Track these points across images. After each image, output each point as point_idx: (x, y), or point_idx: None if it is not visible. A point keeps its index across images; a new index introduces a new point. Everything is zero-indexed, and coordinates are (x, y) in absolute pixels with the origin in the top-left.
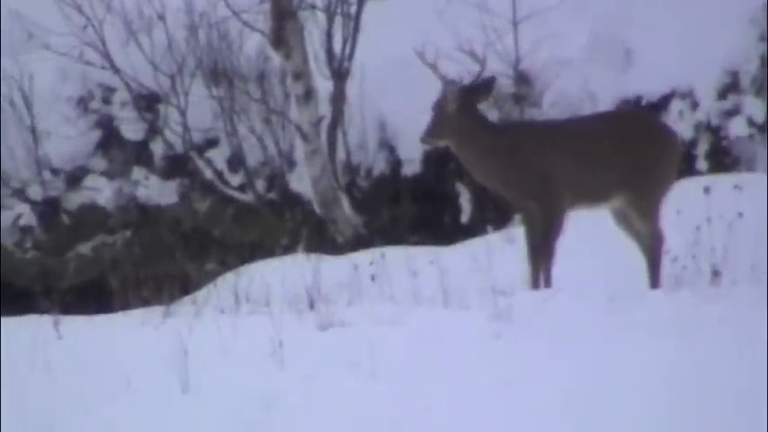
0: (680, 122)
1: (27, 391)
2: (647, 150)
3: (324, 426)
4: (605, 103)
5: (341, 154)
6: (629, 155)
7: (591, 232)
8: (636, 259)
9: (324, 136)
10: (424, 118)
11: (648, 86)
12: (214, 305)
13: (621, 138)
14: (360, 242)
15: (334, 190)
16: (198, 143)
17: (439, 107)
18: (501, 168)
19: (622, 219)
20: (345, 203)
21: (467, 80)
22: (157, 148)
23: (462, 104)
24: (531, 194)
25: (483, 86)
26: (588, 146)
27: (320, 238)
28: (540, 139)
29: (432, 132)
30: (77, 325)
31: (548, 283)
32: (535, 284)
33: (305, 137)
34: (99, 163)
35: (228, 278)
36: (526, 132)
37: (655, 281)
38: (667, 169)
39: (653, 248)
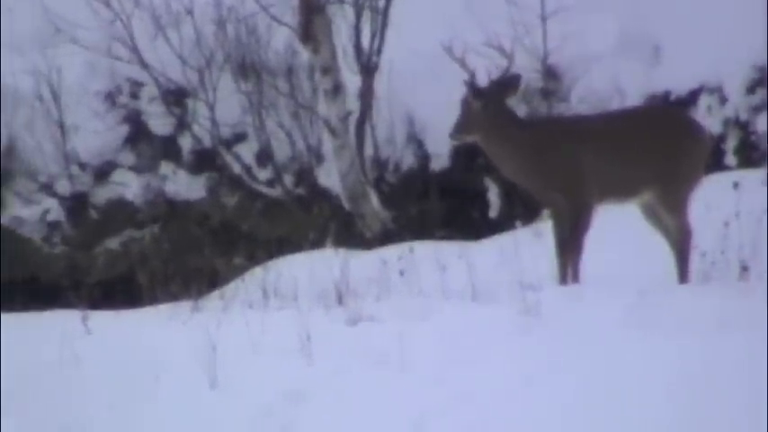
0: (708, 118)
1: (56, 386)
2: (677, 146)
3: (352, 420)
4: (634, 99)
5: (369, 149)
6: (659, 150)
7: (619, 227)
8: (665, 254)
9: (352, 131)
10: (453, 113)
11: (677, 82)
12: (242, 300)
13: (651, 133)
14: (388, 237)
15: (362, 185)
16: (226, 138)
17: (466, 104)
18: (529, 163)
19: (651, 214)
20: (374, 198)
21: (495, 75)
22: (185, 143)
23: (489, 100)
24: (560, 189)
25: (510, 82)
26: (617, 141)
27: (348, 232)
28: (568, 135)
29: (460, 129)
30: (106, 320)
31: (576, 278)
32: (563, 279)
33: (333, 131)
34: (127, 157)
35: (257, 273)
36: (555, 127)
37: (683, 276)
38: (696, 165)
39: (681, 243)
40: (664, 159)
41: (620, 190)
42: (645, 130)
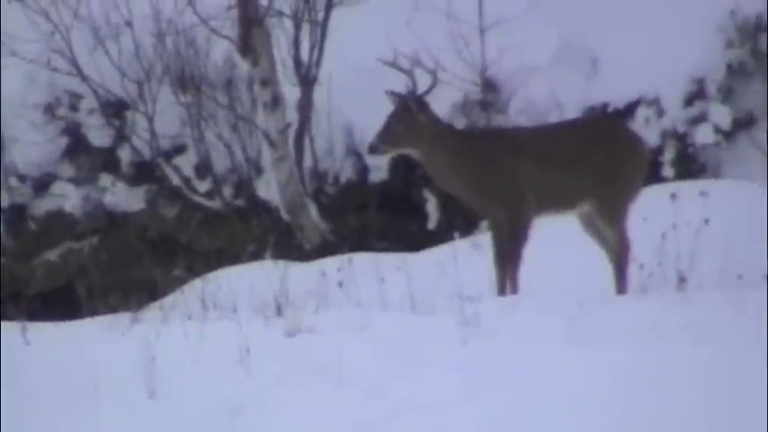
0: (646, 129)
1: None
2: (615, 158)
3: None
4: (572, 110)
5: (308, 160)
6: (597, 162)
7: (558, 238)
8: (603, 265)
9: (291, 143)
10: None
11: (615, 94)
12: (181, 311)
13: (590, 145)
14: (327, 249)
15: (301, 196)
16: (165, 150)
17: (407, 115)
18: (468, 175)
19: (590, 225)
20: (313, 210)
21: (420, 90)
22: (125, 155)
23: (426, 113)
24: (498, 201)
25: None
26: (556, 153)
27: (287, 244)
28: (508, 146)
29: (394, 140)
30: (45, 331)
31: (514, 290)
32: (502, 291)
33: (272, 143)
34: (66, 169)
35: (196, 285)
36: (494, 139)
37: (621, 287)
38: (634, 177)
39: (620, 255)
40: (602, 171)
41: (560, 201)
42: (584, 142)
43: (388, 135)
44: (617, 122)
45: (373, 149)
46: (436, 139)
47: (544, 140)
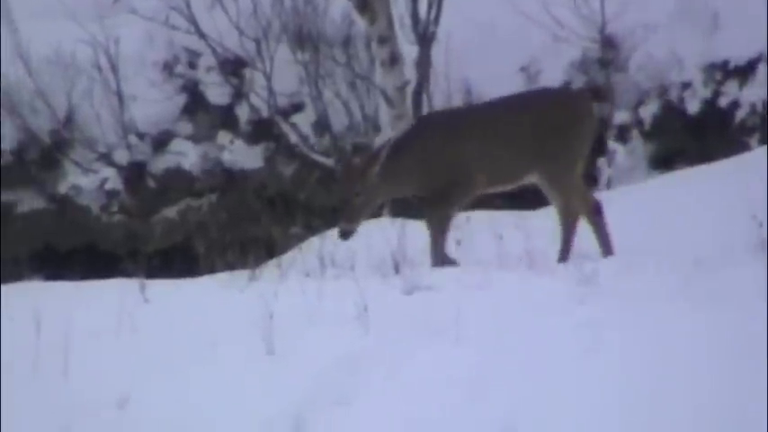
0: (767, 87)
1: (114, 355)
2: (554, 125)
3: (409, 390)
4: (692, 67)
5: None
6: (537, 132)
7: (676, 197)
8: (721, 223)
9: (409, 101)
10: (510, 82)
11: (735, 50)
12: (299, 269)
13: (529, 116)
14: None
15: None
16: (283, 107)
17: (360, 174)
18: (423, 177)
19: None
20: None
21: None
22: (243, 113)
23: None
24: (449, 184)
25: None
26: (497, 128)
27: (405, 202)
28: (451, 133)
29: (356, 214)
30: (163, 288)
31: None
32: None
33: (390, 102)
34: (185, 127)
35: (313, 242)
36: (436, 132)
37: (606, 249)
38: (575, 142)
39: (591, 218)
40: (543, 141)
41: (504, 175)
42: (517, 115)
43: (350, 213)
44: (554, 89)
45: (345, 235)
46: (386, 178)
47: (486, 117)
